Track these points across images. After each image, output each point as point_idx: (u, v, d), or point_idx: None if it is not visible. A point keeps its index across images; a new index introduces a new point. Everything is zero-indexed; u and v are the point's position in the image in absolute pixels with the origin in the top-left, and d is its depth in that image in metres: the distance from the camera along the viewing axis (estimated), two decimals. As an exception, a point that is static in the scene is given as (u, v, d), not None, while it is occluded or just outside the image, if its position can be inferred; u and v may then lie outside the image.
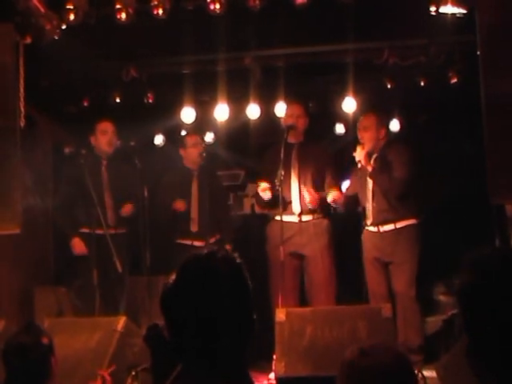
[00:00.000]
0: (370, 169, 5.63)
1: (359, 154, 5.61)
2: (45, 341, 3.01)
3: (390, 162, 5.63)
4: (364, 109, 6.80)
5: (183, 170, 6.41)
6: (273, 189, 5.76)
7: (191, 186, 6.29)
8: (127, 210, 6.09)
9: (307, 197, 5.77)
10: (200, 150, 6.28)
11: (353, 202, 5.90)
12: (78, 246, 5.87)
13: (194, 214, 6.20)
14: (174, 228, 6.26)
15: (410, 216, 5.65)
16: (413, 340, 5.53)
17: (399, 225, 5.62)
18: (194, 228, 6.17)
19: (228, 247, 6.07)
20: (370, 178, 5.66)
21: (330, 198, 5.78)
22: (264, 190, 5.81)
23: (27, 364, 2.91)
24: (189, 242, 6.12)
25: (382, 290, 5.67)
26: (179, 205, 6.12)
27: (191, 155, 6.32)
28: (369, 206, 5.73)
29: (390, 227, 5.63)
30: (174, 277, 1.79)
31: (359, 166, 5.67)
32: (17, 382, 2.89)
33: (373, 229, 5.71)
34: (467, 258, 1.67)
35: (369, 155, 5.67)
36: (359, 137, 5.77)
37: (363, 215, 5.83)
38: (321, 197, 5.82)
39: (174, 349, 1.78)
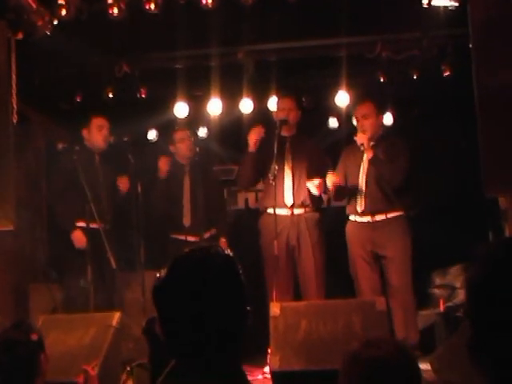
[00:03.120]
0: (370, 155, 5.61)
1: (361, 138, 5.59)
2: (34, 337, 2.99)
3: (388, 151, 5.63)
4: (357, 100, 6.81)
5: (175, 165, 6.41)
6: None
7: (183, 181, 6.29)
8: (124, 183, 6.08)
9: (312, 187, 5.74)
10: (188, 145, 6.28)
11: (343, 191, 5.84)
12: (79, 240, 5.83)
13: (187, 208, 6.21)
14: (167, 223, 6.28)
15: (400, 207, 5.63)
16: (411, 335, 5.52)
17: (390, 215, 5.60)
18: (186, 223, 6.18)
19: (223, 240, 6.10)
20: (371, 163, 5.62)
21: (329, 183, 5.74)
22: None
23: (15, 361, 2.89)
24: (183, 237, 6.13)
25: (376, 285, 5.62)
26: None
27: (180, 150, 6.34)
28: (361, 194, 5.69)
29: (381, 217, 5.60)
30: (166, 272, 1.78)
31: (362, 148, 5.63)
32: (5, 379, 2.88)
33: (362, 219, 5.67)
34: (479, 249, 1.67)
35: (367, 143, 5.64)
36: (358, 125, 5.74)
37: (349, 205, 5.78)
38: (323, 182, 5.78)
39: (167, 344, 1.77)
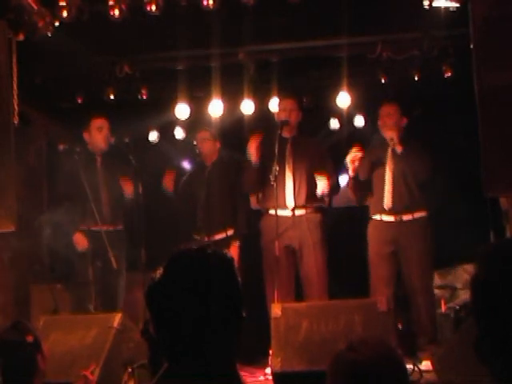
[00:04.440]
0: (400, 148, 5.63)
1: (391, 133, 5.63)
2: (29, 339, 2.97)
3: (412, 150, 5.66)
4: (359, 103, 6.83)
5: (199, 166, 6.49)
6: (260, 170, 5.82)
7: (203, 180, 6.29)
8: (128, 187, 6.08)
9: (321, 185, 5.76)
10: (208, 146, 6.29)
11: (365, 187, 5.83)
12: (81, 242, 5.84)
13: (200, 209, 6.21)
14: (188, 223, 6.32)
15: (424, 207, 5.66)
16: (430, 332, 5.55)
17: (416, 215, 5.63)
18: (200, 223, 6.20)
19: (235, 244, 6.07)
20: (400, 157, 5.63)
21: (319, 189, 5.74)
22: (251, 142, 5.84)
23: (10, 362, 2.89)
24: (198, 238, 6.15)
25: (393, 284, 5.65)
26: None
27: (201, 151, 6.35)
28: (388, 189, 5.68)
29: (408, 217, 5.62)
30: (161, 272, 1.76)
31: (391, 143, 5.65)
32: (1, 380, 2.87)
33: (389, 218, 5.67)
34: (484, 248, 1.68)
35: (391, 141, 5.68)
36: (381, 123, 5.78)
37: (374, 204, 5.78)
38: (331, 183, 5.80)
39: (160, 346, 1.75)
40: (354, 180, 5.81)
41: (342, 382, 1.76)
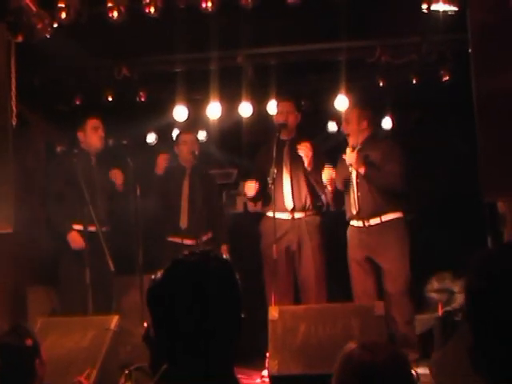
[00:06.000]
0: (362, 171, 5.52)
1: (350, 157, 5.53)
2: (28, 343, 2.97)
3: (378, 156, 5.56)
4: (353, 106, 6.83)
5: (177, 167, 6.42)
6: (260, 185, 5.81)
7: (183, 183, 6.29)
8: (118, 178, 6.09)
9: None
10: (190, 148, 6.28)
11: (342, 196, 5.80)
12: (76, 241, 5.83)
13: (184, 211, 6.20)
14: (163, 225, 6.28)
15: (395, 209, 5.55)
16: (411, 337, 5.51)
17: (385, 218, 5.52)
18: (183, 226, 6.17)
19: (224, 247, 6.08)
20: (365, 179, 5.53)
21: (325, 178, 5.69)
22: (248, 188, 5.85)
23: (9, 366, 2.88)
24: (179, 240, 6.12)
25: (370, 290, 5.57)
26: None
27: (182, 153, 6.34)
28: (354, 196, 5.61)
29: (376, 221, 5.53)
30: (163, 273, 1.77)
31: (350, 169, 5.59)
32: None
33: (358, 223, 5.61)
34: (475, 256, 1.68)
35: (352, 148, 5.59)
36: (343, 130, 5.77)
37: (348, 209, 5.74)
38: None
39: (159, 348, 1.76)
40: (333, 193, 5.77)
41: (352, 381, 1.76)
